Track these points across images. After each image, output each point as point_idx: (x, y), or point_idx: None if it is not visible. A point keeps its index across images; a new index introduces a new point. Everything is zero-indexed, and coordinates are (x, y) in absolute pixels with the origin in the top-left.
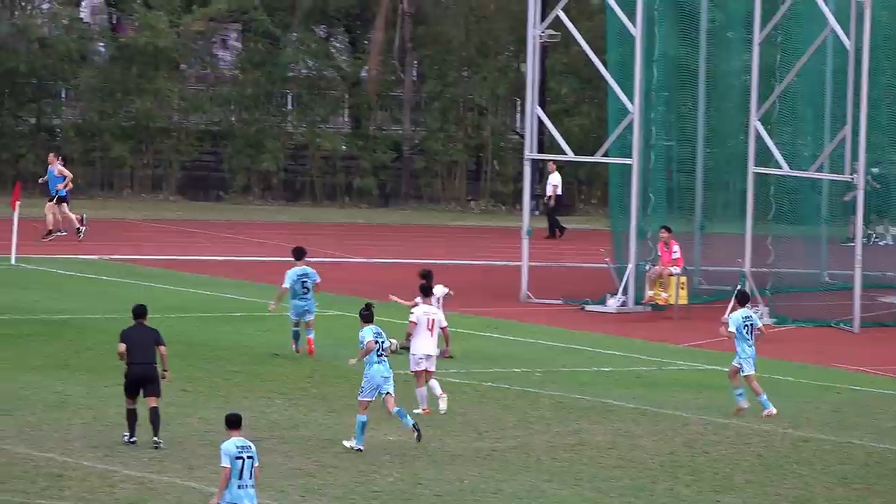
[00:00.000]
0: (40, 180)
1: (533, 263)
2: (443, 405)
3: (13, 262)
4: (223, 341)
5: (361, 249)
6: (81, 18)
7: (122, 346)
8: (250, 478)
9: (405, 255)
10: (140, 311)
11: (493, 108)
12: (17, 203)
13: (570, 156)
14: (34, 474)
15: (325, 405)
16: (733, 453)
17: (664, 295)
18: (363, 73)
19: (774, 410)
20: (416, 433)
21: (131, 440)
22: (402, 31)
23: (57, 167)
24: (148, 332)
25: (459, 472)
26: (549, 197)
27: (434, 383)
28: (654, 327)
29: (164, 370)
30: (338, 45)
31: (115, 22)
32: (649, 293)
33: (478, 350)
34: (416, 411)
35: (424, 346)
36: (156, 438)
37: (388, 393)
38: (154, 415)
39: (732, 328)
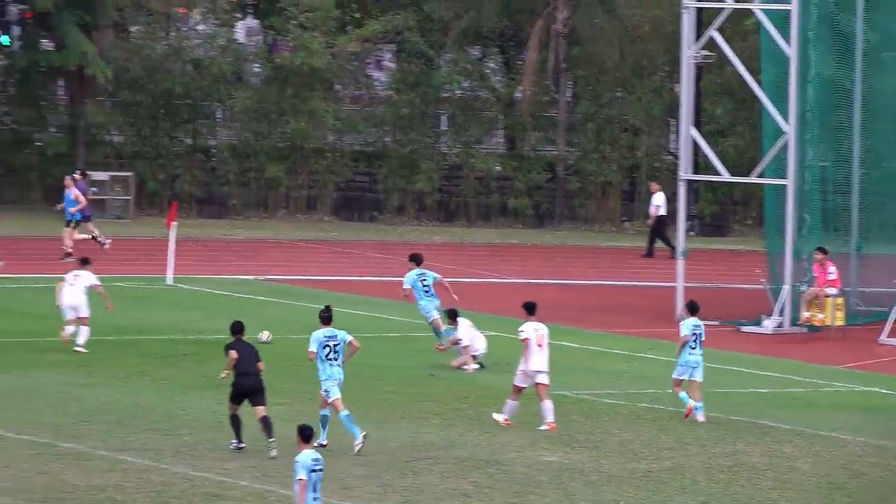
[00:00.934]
0: (58, 206)
1: (688, 284)
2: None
3: (170, 281)
4: (379, 361)
5: (515, 270)
6: (237, 39)
7: (234, 353)
8: (319, 490)
9: (559, 275)
10: (239, 328)
11: (647, 129)
12: (174, 223)
13: (726, 176)
14: (191, 494)
15: (481, 425)
16: (892, 476)
17: (820, 316)
18: (517, 94)
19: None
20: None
21: (240, 446)
22: (555, 52)
23: (74, 191)
24: (250, 347)
25: (615, 494)
26: (653, 217)
27: (549, 403)
28: (810, 349)
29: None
30: (492, 65)
31: (270, 43)
32: (805, 314)
33: (634, 371)
34: (542, 427)
35: (536, 362)
36: (271, 441)
37: (334, 399)
38: (265, 423)
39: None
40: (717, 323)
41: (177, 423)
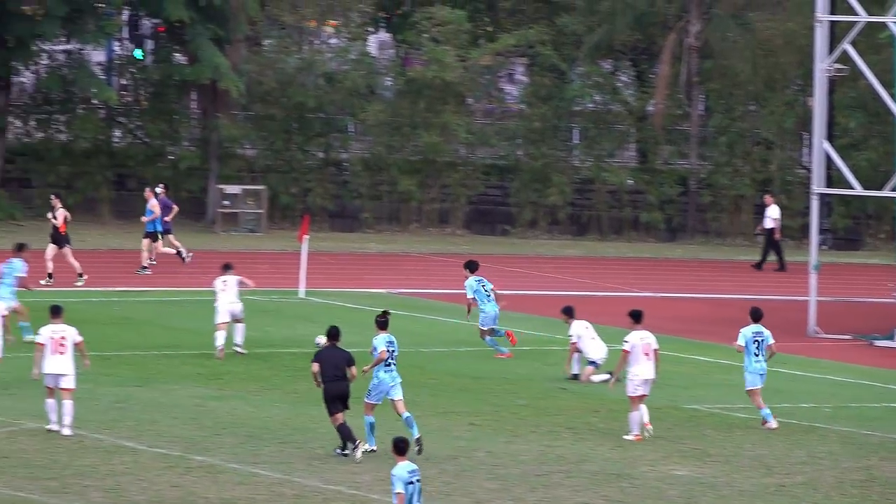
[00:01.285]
0: (143, 219)
1: (821, 298)
2: (648, 430)
3: (302, 295)
4: (510, 374)
5: (648, 284)
6: (370, 53)
7: (316, 367)
8: (419, 501)
9: (691, 289)
10: (334, 333)
11: (779, 142)
12: (305, 237)
13: (859, 190)
14: None
15: (612, 440)
16: None
17: None
18: (649, 107)
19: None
20: (417, 447)
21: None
22: (688, 65)
23: (152, 201)
24: (341, 352)
25: None
26: (772, 229)
27: (644, 408)
28: None
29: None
30: (624, 78)
31: (402, 56)
32: None
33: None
34: (626, 437)
35: (644, 370)
36: (350, 446)
37: (398, 399)
38: (342, 428)
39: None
40: (850, 337)
41: (309, 435)
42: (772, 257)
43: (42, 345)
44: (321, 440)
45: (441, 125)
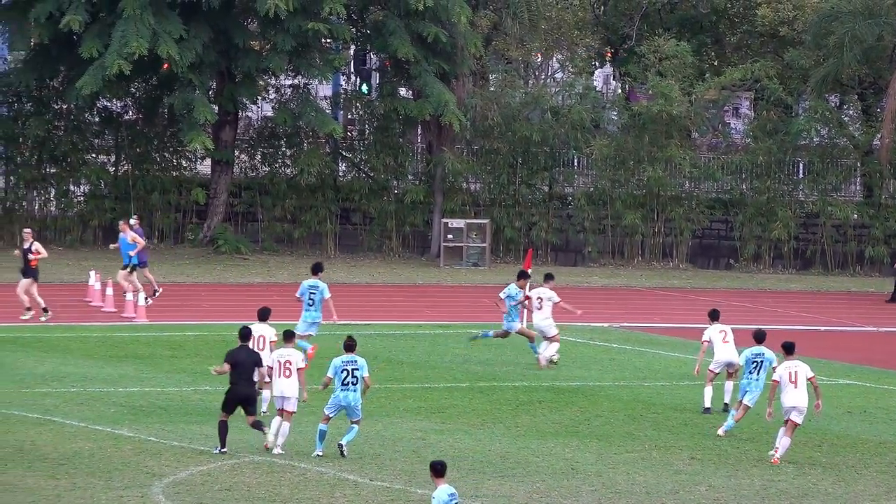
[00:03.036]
0: (111, 246)
1: None
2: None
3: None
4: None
5: (873, 319)
6: (595, 87)
7: (226, 367)
8: None
9: None
10: (245, 334)
11: None
12: (529, 270)
13: None
14: None
15: (834, 474)
16: None
17: None
18: (875, 142)
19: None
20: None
21: (223, 451)
22: None
23: (129, 234)
24: (253, 355)
25: None
26: None
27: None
28: None
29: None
30: (850, 112)
31: (627, 90)
32: None
33: None
34: (771, 453)
35: (791, 398)
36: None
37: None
38: (257, 426)
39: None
40: None
41: (530, 469)
42: None
43: (270, 368)
44: (542, 474)
45: (666, 159)
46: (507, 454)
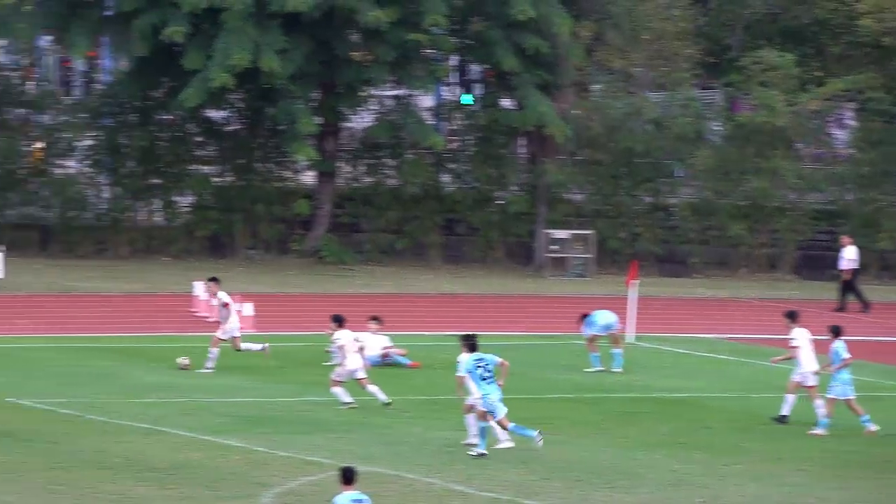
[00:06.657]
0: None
1: None
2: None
3: (632, 339)
4: (839, 421)
5: None
6: (697, 98)
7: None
8: None
9: None
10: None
11: None
12: (634, 282)
13: None
14: None
15: None
16: None
17: None
18: None
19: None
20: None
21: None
22: None
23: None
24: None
25: None
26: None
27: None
28: None
29: None
30: None
31: (730, 101)
32: None
33: None
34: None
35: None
36: None
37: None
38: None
39: None
40: None
41: (636, 481)
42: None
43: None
44: (649, 485)
45: (770, 170)
46: (613, 465)
